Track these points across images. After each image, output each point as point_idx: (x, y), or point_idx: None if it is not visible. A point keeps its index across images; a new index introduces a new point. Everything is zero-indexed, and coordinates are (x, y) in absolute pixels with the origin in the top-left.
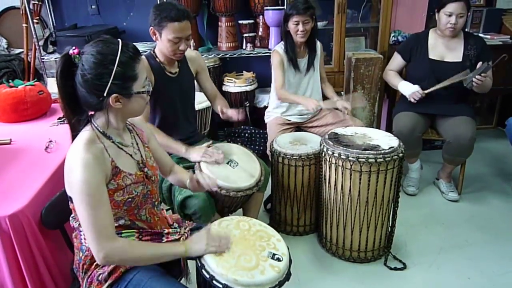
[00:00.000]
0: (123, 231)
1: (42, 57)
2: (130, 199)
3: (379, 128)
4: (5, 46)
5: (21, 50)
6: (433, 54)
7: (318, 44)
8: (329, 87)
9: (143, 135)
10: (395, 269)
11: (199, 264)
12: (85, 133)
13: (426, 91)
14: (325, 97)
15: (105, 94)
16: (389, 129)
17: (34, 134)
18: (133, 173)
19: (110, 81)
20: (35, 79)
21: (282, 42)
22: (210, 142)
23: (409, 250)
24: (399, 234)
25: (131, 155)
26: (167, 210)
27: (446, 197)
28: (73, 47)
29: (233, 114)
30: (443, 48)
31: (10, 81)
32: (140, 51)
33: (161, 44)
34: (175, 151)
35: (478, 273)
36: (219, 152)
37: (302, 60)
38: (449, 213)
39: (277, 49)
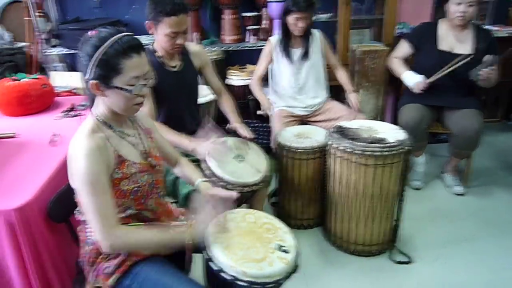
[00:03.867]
0: (131, 223)
1: (45, 51)
2: (136, 188)
3: (383, 121)
4: (10, 40)
5: (24, 43)
6: (442, 45)
7: (316, 32)
8: (343, 75)
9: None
10: (400, 263)
11: (207, 256)
12: (87, 122)
13: (428, 80)
14: (339, 84)
15: (86, 76)
16: (394, 122)
17: (38, 128)
18: (137, 162)
19: (91, 64)
20: (38, 73)
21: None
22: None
23: (415, 244)
24: (405, 228)
25: (134, 145)
26: (172, 203)
27: (452, 191)
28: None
29: (242, 131)
30: (453, 40)
31: (13, 74)
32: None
33: (158, 38)
34: (183, 149)
35: (484, 267)
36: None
37: (296, 50)
38: (455, 207)
39: (270, 39)
